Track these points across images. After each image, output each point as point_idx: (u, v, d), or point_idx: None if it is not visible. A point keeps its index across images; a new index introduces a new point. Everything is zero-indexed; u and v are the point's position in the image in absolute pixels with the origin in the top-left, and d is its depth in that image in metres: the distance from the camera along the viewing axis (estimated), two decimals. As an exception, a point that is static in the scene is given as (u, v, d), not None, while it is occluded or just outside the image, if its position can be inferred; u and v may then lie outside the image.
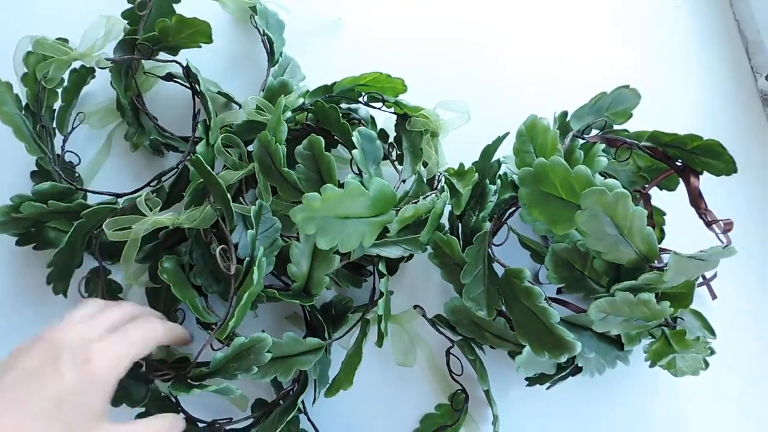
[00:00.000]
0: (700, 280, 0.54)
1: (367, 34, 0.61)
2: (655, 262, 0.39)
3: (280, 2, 0.57)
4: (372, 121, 0.53)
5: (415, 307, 0.49)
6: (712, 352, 0.45)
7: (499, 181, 0.46)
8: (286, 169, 0.42)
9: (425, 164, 0.50)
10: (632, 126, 0.49)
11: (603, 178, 0.48)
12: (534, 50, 0.62)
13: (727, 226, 0.40)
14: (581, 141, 0.46)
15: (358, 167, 0.45)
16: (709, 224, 0.42)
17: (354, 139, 0.43)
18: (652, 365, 0.42)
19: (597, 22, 0.65)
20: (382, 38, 0.60)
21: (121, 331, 0.38)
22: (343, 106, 0.52)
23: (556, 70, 0.61)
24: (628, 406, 0.51)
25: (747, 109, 0.63)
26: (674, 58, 0.65)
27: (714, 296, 0.54)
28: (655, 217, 0.53)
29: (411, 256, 0.49)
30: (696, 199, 0.44)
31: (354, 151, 0.43)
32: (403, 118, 0.51)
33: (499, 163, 0.50)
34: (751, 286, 0.56)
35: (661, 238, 0.53)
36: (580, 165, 0.37)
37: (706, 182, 0.45)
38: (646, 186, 0.51)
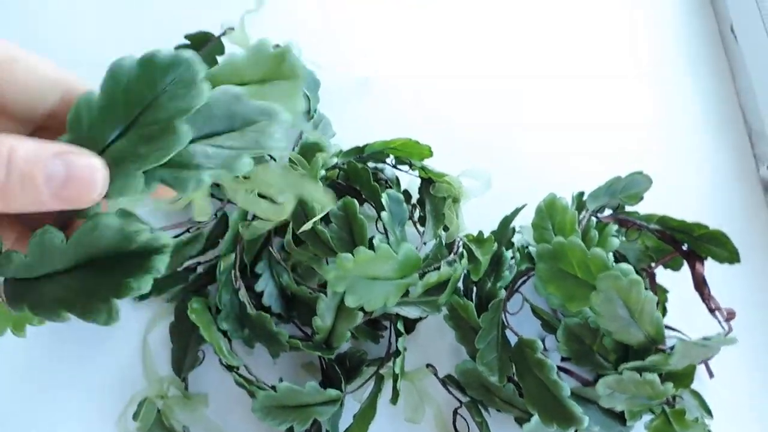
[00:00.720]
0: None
1: (394, 95, 0.64)
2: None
3: (316, 61, 0.60)
4: (397, 182, 0.56)
5: (428, 366, 0.51)
6: (709, 433, 0.48)
7: (517, 254, 0.48)
8: (320, 227, 0.44)
9: (446, 228, 0.52)
10: (642, 208, 0.52)
11: (614, 256, 0.52)
12: (554, 130, 0.66)
13: (730, 315, 0.43)
14: (595, 220, 0.49)
15: (384, 227, 0.47)
16: (712, 311, 0.44)
17: (383, 201, 0.46)
18: (651, 443, 0.44)
19: (615, 108, 0.69)
20: (409, 100, 0.64)
21: None
22: (371, 164, 0.55)
23: (574, 149, 0.64)
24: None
25: (750, 197, 0.66)
26: (682, 144, 0.68)
27: (711, 375, 0.57)
28: (659, 295, 0.55)
29: (427, 316, 0.51)
30: (700, 285, 0.46)
31: (383, 213, 0.46)
32: (428, 182, 0.54)
33: (514, 230, 0.53)
34: (749, 367, 0.58)
35: (663, 315, 0.56)
36: (596, 248, 0.40)
37: (711, 266, 0.48)
38: (653, 265, 0.53)
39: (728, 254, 0.47)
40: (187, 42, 0.57)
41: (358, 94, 0.64)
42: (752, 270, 0.62)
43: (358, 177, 0.50)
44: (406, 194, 0.56)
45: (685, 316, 0.53)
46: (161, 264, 0.24)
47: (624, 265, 0.39)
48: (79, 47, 0.60)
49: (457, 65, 0.68)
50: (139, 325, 0.50)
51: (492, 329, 0.46)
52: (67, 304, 0.23)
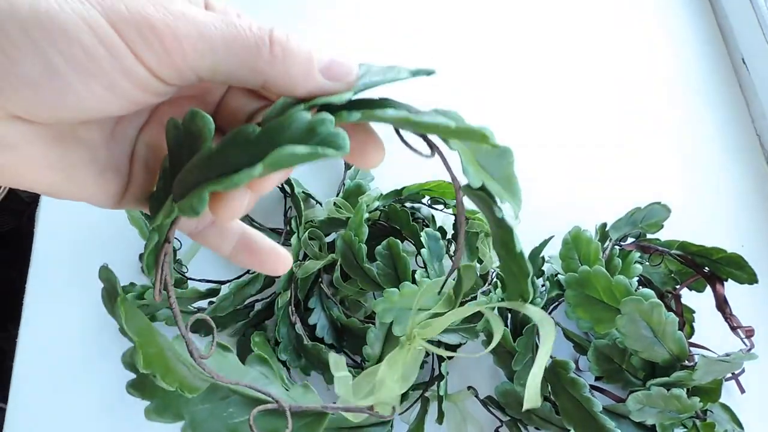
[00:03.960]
0: (729, 375, 0.59)
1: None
2: (687, 359, 0.45)
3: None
4: (432, 220, 0.61)
5: (469, 388, 0.55)
6: (740, 446, 0.50)
7: (547, 282, 0.52)
8: (368, 265, 0.49)
9: (480, 261, 0.57)
10: (663, 234, 0.56)
11: (638, 280, 0.55)
12: (576, 161, 0.70)
13: (749, 333, 0.46)
14: (618, 248, 0.53)
15: (423, 262, 0.52)
16: (733, 329, 0.48)
17: (422, 239, 0.51)
18: (684, 455, 0.47)
19: (635, 139, 0.73)
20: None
21: None
22: (408, 205, 0.61)
23: (596, 178, 0.69)
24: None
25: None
26: (701, 172, 0.72)
27: (742, 390, 0.59)
28: (685, 315, 0.59)
29: (466, 342, 0.56)
30: (722, 305, 0.50)
31: (422, 250, 0.51)
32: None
33: (543, 260, 0.57)
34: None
35: (690, 334, 0.59)
36: (619, 275, 0.44)
37: (733, 286, 0.51)
38: (677, 287, 0.57)
39: (747, 276, 0.50)
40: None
41: (389, 137, 0.70)
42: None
43: (398, 218, 0.55)
44: (442, 231, 0.61)
45: (711, 334, 0.56)
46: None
47: (645, 290, 0.43)
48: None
49: (481, 104, 0.73)
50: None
51: (527, 352, 0.50)
52: None
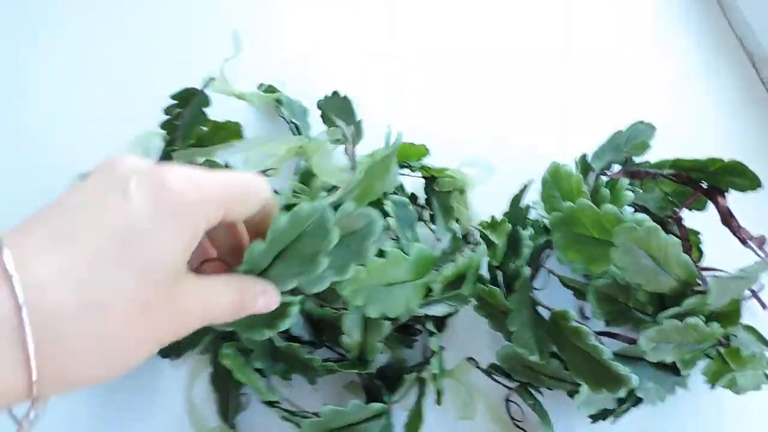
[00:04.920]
0: (748, 293, 0.54)
1: (383, 106, 0.64)
2: (699, 284, 0.40)
3: (305, 90, 0.61)
4: (401, 187, 0.55)
5: (469, 359, 0.50)
6: (772, 365, 0.45)
7: (531, 229, 0.47)
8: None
9: (461, 221, 0.52)
10: (653, 156, 0.50)
11: (633, 209, 0.50)
12: (547, 99, 0.65)
13: (761, 241, 0.41)
14: (605, 178, 0.48)
15: (396, 233, 0.47)
16: (743, 241, 0.43)
17: (387, 208, 0.46)
18: (712, 387, 0.42)
19: (605, 59, 0.68)
20: (398, 108, 0.64)
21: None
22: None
23: (569, 112, 0.63)
24: (696, 429, 0.50)
25: (765, 121, 0.64)
26: (683, 86, 0.67)
27: (765, 306, 0.54)
28: (691, 238, 0.54)
29: (457, 311, 0.51)
30: (727, 218, 0.45)
31: (389, 219, 0.46)
32: (431, 180, 0.54)
33: (528, 208, 0.52)
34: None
35: (699, 258, 0.54)
36: (608, 204, 0.39)
37: (738, 199, 0.46)
38: (676, 210, 0.52)
39: (749, 181, 0.45)
40: (175, 101, 0.58)
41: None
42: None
43: (358, 190, 0.50)
44: (413, 197, 0.56)
45: (722, 254, 0.51)
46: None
47: (638, 215, 0.38)
48: (60, 114, 0.62)
49: (435, 57, 0.68)
50: (178, 384, 0.50)
51: (522, 309, 0.45)
52: None
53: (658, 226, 0.37)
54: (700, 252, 0.54)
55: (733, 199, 0.47)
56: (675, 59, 0.69)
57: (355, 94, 0.64)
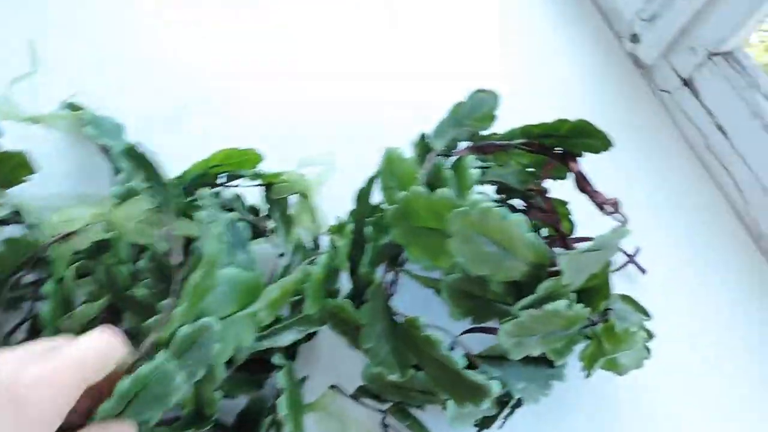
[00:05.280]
0: (623, 260, 0.51)
1: (215, 112, 0.57)
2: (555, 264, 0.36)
3: (117, 106, 0.53)
4: (238, 199, 0.48)
5: (332, 387, 0.44)
6: (651, 336, 0.42)
7: (370, 227, 0.41)
8: (138, 291, 0.37)
9: (309, 228, 0.46)
10: (501, 127, 0.46)
11: (495, 188, 0.46)
12: (382, 78, 0.60)
13: (614, 205, 0.37)
14: (449, 158, 0.43)
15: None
16: (600, 207, 0.39)
17: (202, 233, 0.38)
18: (588, 375, 0.38)
19: (444, 30, 0.63)
20: (229, 113, 0.57)
21: (64, 347, 0.29)
22: (207, 191, 0.48)
23: (410, 93, 0.58)
24: (596, 412, 0.46)
25: (623, 75, 0.62)
26: (527, 48, 0.63)
27: (643, 271, 0.51)
28: (559, 209, 0.50)
29: (309, 336, 0.44)
30: (581, 183, 0.41)
31: (205, 244, 0.38)
32: (269, 187, 0.47)
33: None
34: (676, 246, 0.53)
35: (570, 229, 0.50)
36: (441, 189, 0.34)
37: (601, 161, 0.42)
38: (538, 181, 0.47)
39: (600, 142, 0.41)
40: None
41: (179, 121, 0.57)
42: (649, 147, 0.58)
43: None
44: (253, 210, 0.49)
45: (598, 222, 0.47)
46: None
47: (474, 197, 0.33)
48: None
49: (264, 61, 0.61)
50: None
51: (376, 321, 0.39)
52: None
53: (494, 206, 0.32)
54: (571, 223, 0.50)
55: (595, 161, 0.43)
56: (519, 20, 0.65)
57: (178, 104, 0.57)
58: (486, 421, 0.40)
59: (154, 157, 0.48)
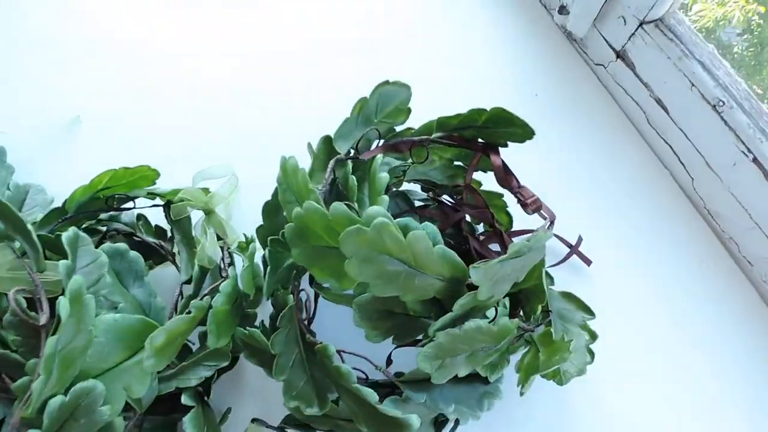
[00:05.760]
0: (568, 250, 0.48)
1: (110, 127, 0.52)
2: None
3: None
4: (137, 225, 0.44)
5: (254, 420, 0.40)
6: (594, 337, 0.39)
7: (276, 245, 0.37)
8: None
9: (216, 248, 0.41)
10: (417, 120, 0.42)
11: (420, 188, 0.42)
12: (279, 81, 0.55)
13: (534, 205, 0.33)
14: (355, 162, 0.39)
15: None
16: (524, 205, 0.35)
17: (67, 275, 0.33)
18: (523, 390, 0.34)
19: (353, 20, 0.59)
20: (124, 129, 0.52)
21: None
22: (103, 216, 0.44)
23: (313, 94, 0.54)
24: (549, 418, 0.43)
25: (556, 50, 0.58)
26: (459, 29, 0.59)
27: (588, 262, 0.48)
28: (494, 203, 0.46)
29: (227, 367, 0.40)
30: (503, 178, 0.37)
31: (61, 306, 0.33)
32: (169, 207, 0.43)
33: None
34: (622, 228, 0.50)
35: (509, 223, 0.47)
36: (336, 203, 0.30)
37: (539, 143, 0.38)
38: (465, 176, 0.44)
39: (521, 130, 0.37)
40: None
41: (68, 137, 0.51)
42: (590, 125, 0.54)
43: (55, 249, 0.38)
44: (159, 231, 0.45)
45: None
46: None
47: (369, 210, 0.29)
48: None
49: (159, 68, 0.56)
50: None
51: (291, 349, 0.35)
52: None
53: (390, 221, 0.28)
54: (509, 216, 0.46)
55: (537, 144, 0.39)
56: (444, 5, 0.61)
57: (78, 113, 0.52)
58: (426, 443, 0.37)
59: (28, 189, 0.44)
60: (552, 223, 0.34)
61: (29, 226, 0.33)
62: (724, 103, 0.46)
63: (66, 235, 0.34)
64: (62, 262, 0.32)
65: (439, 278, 0.30)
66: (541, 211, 0.34)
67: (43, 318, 0.31)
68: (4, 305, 0.37)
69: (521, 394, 0.34)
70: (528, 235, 0.31)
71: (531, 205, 0.33)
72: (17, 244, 0.37)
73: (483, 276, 0.29)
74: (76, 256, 0.34)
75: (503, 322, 0.31)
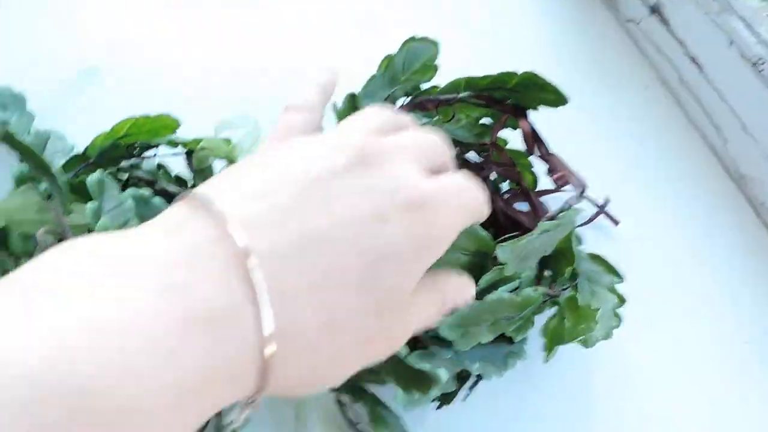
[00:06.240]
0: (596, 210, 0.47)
1: (129, 77, 0.51)
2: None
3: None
4: (157, 172, 0.44)
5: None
6: (622, 301, 0.39)
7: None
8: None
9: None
10: (444, 78, 0.40)
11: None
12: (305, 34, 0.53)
13: (561, 180, 0.33)
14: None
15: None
16: (551, 173, 0.34)
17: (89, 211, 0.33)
18: (547, 358, 0.35)
19: None
20: (145, 78, 0.51)
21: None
22: (124, 165, 0.43)
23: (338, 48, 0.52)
24: (566, 382, 0.44)
25: (584, 5, 0.55)
26: None
27: (616, 222, 0.48)
28: (520, 162, 0.45)
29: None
30: (530, 145, 0.36)
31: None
32: (191, 156, 0.42)
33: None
34: (651, 190, 0.50)
35: (533, 183, 0.46)
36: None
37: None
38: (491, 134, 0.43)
39: (553, 96, 0.36)
40: None
41: (87, 87, 0.51)
42: (618, 84, 0.53)
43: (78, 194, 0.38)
44: (180, 180, 0.45)
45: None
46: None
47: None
48: None
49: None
50: None
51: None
52: None
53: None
54: (534, 176, 0.46)
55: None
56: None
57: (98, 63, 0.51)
58: (446, 398, 0.38)
59: (49, 135, 0.43)
60: (582, 192, 0.33)
61: (55, 169, 0.33)
62: (765, 61, 0.44)
63: (91, 178, 0.34)
64: (89, 204, 0.32)
65: (463, 253, 0.30)
66: (564, 186, 0.34)
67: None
68: (30, 247, 0.38)
69: (545, 360, 0.35)
70: (556, 209, 0.31)
71: (558, 180, 0.33)
72: (42, 187, 0.37)
73: (510, 254, 0.29)
74: (102, 200, 0.35)
75: (526, 292, 0.32)
